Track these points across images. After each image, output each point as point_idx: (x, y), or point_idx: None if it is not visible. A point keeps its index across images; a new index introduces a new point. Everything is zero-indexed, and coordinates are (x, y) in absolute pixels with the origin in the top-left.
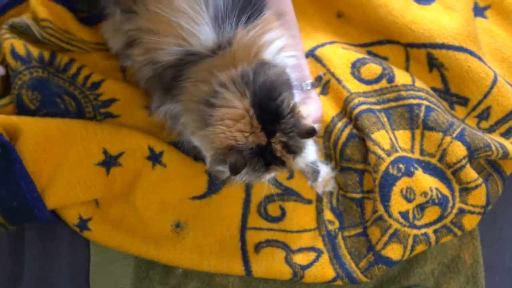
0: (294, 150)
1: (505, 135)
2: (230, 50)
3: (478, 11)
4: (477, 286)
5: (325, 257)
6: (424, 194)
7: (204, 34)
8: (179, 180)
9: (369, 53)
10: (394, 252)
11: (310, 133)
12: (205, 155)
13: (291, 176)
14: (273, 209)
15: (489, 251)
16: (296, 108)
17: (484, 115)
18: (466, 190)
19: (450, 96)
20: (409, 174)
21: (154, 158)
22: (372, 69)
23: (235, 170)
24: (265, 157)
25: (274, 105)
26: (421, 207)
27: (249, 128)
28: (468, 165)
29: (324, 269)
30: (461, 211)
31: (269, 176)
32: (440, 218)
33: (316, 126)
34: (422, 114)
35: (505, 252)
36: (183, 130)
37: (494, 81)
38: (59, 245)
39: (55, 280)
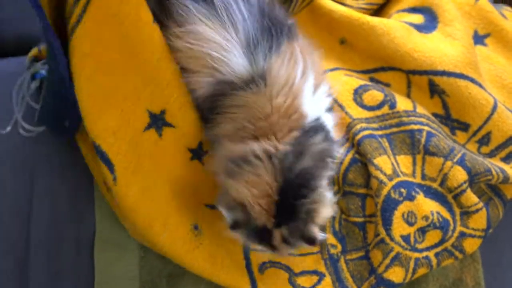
0: (292, 244)
1: (505, 159)
2: (265, 88)
3: (478, 39)
4: None
5: (327, 280)
6: (426, 218)
7: (235, 61)
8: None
9: (372, 79)
10: (396, 275)
11: (311, 242)
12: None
13: None
14: None
15: (491, 274)
16: (312, 213)
17: (484, 140)
18: (467, 213)
19: (451, 121)
20: (411, 198)
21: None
22: (374, 95)
23: (233, 226)
24: (263, 236)
25: (295, 206)
26: (423, 231)
27: (266, 208)
28: (468, 190)
29: None
30: (462, 235)
31: (258, 247)
32: (442, 241)
33: (322, 236)
34: (423, 140)
35: (506, 276)
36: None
37: (494, 107)
38: (64, 264)
39: None
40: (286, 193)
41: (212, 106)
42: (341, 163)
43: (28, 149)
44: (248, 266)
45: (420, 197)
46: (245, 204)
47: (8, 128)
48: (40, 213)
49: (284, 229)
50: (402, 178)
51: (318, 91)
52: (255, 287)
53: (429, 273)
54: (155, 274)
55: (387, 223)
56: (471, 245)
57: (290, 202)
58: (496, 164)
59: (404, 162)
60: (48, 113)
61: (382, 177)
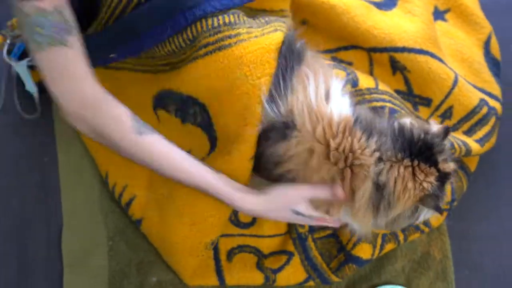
0: (450, 157)
1: (467, 133)
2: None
3: (438, 15)
4: (446, 281)
5: (296, 259)
6: None
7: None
8: None
9: (334, 59)
10: (364, 251)
11: (447, 131)
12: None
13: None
14: (244, 216)
15: (458, 246)
16: (424, 129)
17: (447, 115)
18: None
19: (414, 97)
20: None
21: None
22: (337, 73)
23: (439, 209)
24: (442, 183)
25: (423, 143)
26: None
27: (424, 176)
28: None
29: (296, 271)
30: None
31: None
32: None
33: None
34: (386, 117)
35: (473, 247)
36: None
37: (455, 82)
38: (34, 257)
39: None
40: (411, 151)
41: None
42: None
43: None
44: (216, 256)
45: None
46: (423, 194)
47: None
48: (7, 206)
49: (440, 155)
50: None
51: (332, 94)
52: (222, 277)
53: (398, 249)
54: (124, 263)
55: None
56: (437, 218)
57: (421, 143)
58: (458, 137)
59: None
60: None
61: None
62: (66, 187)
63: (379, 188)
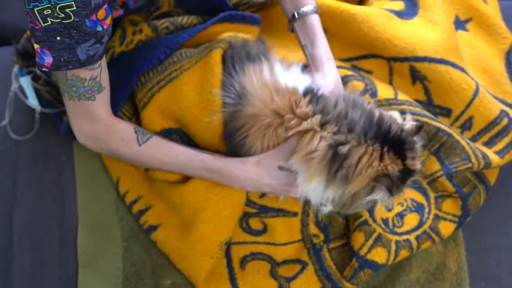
0: (418, 155)
1: (487, 144)
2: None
3: (459, 24)
4: None
5: (310, 269)
6: (400, 204)
7: None
8: None
9: (354, 67)
10: (379, 255)
11: (419, 129)
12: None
13: (263, 194)
14: (255, 223)
15: (475, 258)
16: (398, 124)
17: (466, 125)
18: (441, 197)
19: (433, 107)
20: None
21: None
22: (355, 85)
23: (391, 190)
24: (405, 174)
25: (397, 138)
26: (401, 216)
27: (389, 161)
28: (443, 178)
29: (309, 281)
30: (437, 217)
31: (409, 183)
32: (420, 223)
33: (418, 122)
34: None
35: (490, 259)
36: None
37: (476, 92)
38: (49, 256)
39: None
40: (384, 136)
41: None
42: None
43: (11, 140)
44: (229, 264)
45: None
46: (380, 174)
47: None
48: (23, 204)
49: (409, 152)
50: None
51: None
52: (236, 285)
53: (413, 258)
54: (139, 265)
55: None
56: (446, 228)
57: (395, 137)
58: (479, 148)
59: None
60: None
61: None
62: (82, 187)
63: (336, 155)
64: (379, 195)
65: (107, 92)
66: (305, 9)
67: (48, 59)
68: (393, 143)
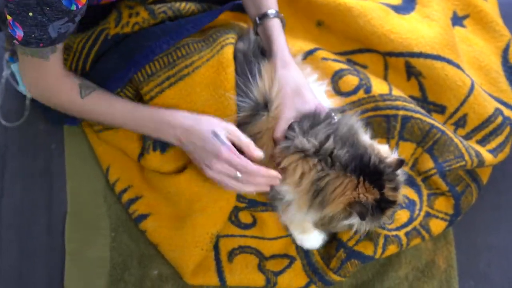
0: (398, 187)
1: (481, 142)
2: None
3: (457, 20)
4: None
5: (298, 264)
6: None
7: None
8: None
9: (349, 61)
10: (366, 247)
11: (400, 163)
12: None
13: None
14: (244, 217)
15: (465, 256)
16: (379, 155)
17: (461, 123)
18: (434, 195)
19: (428, 104)
20: None
21: None
22: (349, 80)
23: (362, 215)
24: (382, 205)
25: (375, 166)
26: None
27: (365, 191)
28: (436, 176)
29: (297, 275)
30: (428, 215)
31: (385, 218)
32: (410, 220)
33: (400, 157)
34: (398, 126)
35: (480, 258)
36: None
37: (471, 89)
38: (36, 245)
39: (29, 282)
40: (362, 168)
41: None
42: None
43: (1, 126)
44: (217, 256)
45: None
46: (354, 200)
47: None
48: (12, 192)
49: (388, 183)
50: None
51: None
52: (223, 279)
53: (402, 255)
54: (126, 255)
55: None
56: (436, 226)
57: (372, 168)
58: (473, 146)
59: None
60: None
61: None
62: (72, 176)
63: (317, 188)
64: (354, 220)
65: (61, 50)
66: (265, 13)
67: (19, 33)
68: (370, 173)
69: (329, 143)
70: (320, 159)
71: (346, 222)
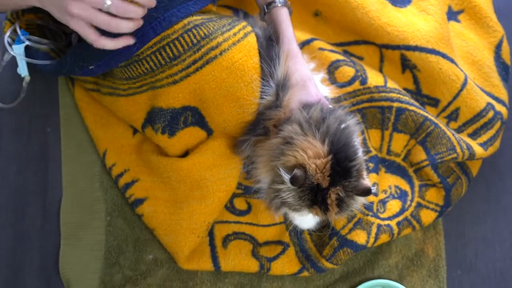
0: (342, 207)
1: (472, 135)
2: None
3: (452, 15)
4: (438, 279)
5: (291, 250)
6: (384, 191)
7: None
8: None
9: (345, 52)
10: (358, 236)
11: (366, 192)
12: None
13: (248, 176)
14: (239, 203)
15: (453, 246)
16: (361, 171)
17: (453, 116)
18: (425, 186)
19: (422, 97)
20: (377, 172)
21: None
22: (345, 71)
23: (296, 181)
24: (315, 196)
25: (349, 165)
26: (383, 202)
27: (321, 168)
28: (429, 167)
29: (290, 262)
30: (419, 205)
31: (305, 213)
32: (402, 210)
33: (374, 189)
34: (392, 117)
35: (467, 248)
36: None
37: (464, 83)
38: (30, 229)
39: (24, 265)
40: (337, 155)
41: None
42: None
43: None
44: (212, 242)
45: (382, 172)
46: (304, 165)
47: None
48: (6, 177)
49: (339, 189)
50: (373, 153)
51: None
52: (217, 264)
53: (393, 244)
54: (121, 239)
55: None
56: (427, 216)
57: (344, 163)
58: (464, 139)
59: (374, 136)
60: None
61: None
62: (67, 160)
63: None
64: (283, 185)
65: None
66: (273, 1)
67: None
68: (338, 164)
69: (323, 125)
70: (303, 126)
71: (277, 186)
